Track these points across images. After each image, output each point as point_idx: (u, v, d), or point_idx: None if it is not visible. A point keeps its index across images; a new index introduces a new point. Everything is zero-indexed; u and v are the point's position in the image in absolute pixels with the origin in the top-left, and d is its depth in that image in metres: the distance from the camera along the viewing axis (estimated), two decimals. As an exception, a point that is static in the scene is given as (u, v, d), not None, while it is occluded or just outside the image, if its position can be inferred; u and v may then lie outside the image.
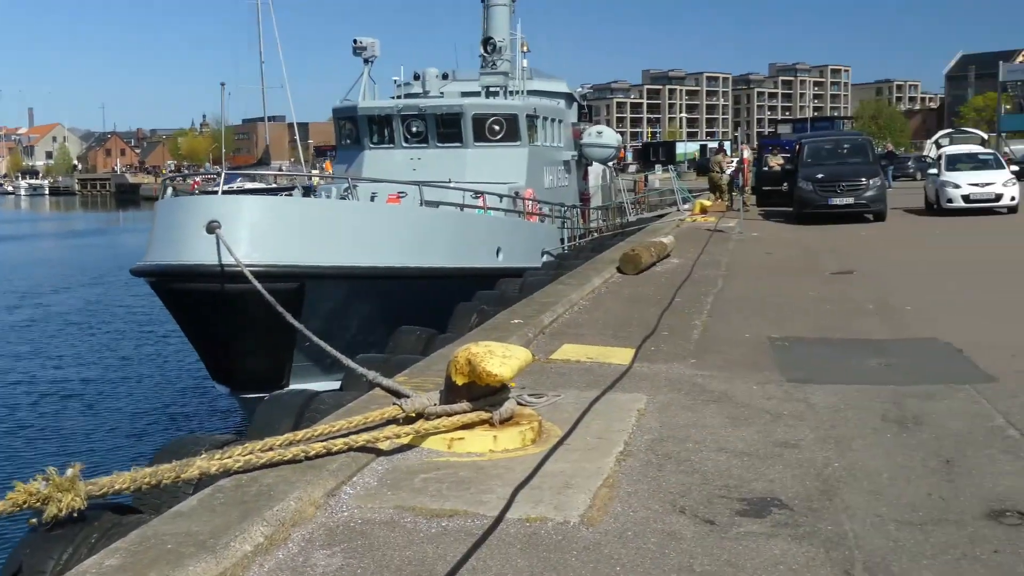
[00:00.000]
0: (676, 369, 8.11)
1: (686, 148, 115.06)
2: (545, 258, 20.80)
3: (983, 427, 6.29)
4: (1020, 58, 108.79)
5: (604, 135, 30.28)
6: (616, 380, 7.49)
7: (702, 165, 71.75)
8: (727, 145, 40.43)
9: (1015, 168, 30.46)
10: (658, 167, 49.48)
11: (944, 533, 4.55)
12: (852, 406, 6.86)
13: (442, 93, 24.43)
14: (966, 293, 12.35)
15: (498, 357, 5.64)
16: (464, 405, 5.75)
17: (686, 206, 30.58)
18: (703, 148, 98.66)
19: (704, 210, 26.97)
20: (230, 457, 4.92)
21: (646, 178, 51.97)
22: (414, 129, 22.73)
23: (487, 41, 26.25)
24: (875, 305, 11.51)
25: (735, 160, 28.16)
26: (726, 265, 15.75)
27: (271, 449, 5.10)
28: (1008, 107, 77.98)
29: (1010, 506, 4.87)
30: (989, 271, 14.67)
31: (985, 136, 63.52)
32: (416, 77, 25.10)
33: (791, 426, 6.38)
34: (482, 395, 5.81)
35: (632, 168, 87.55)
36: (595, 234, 27.42)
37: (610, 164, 33.85)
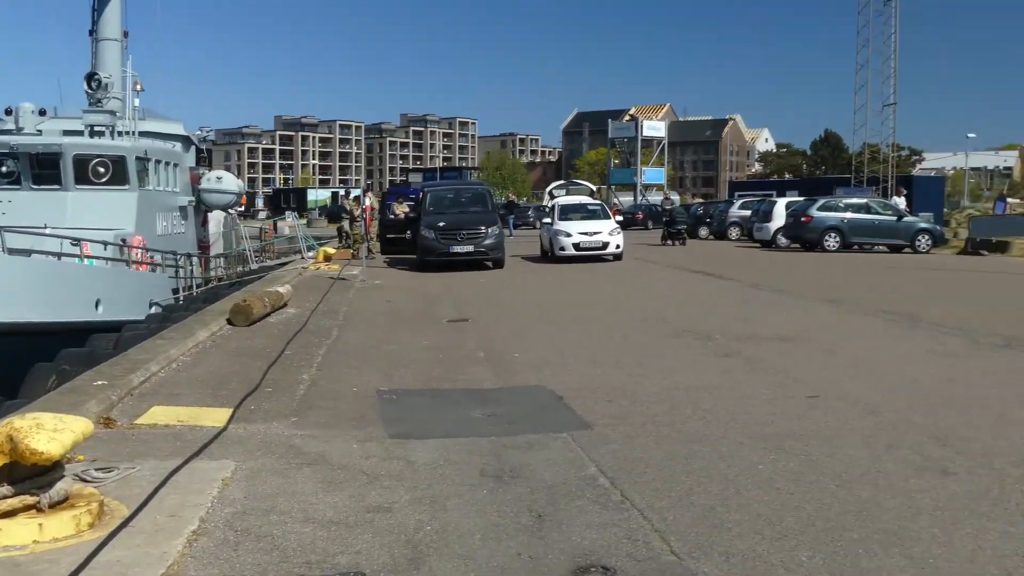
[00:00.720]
0: (275, 429, 7.56)
1: (318, 195, 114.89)
2: (153, 310, 19.46)
3: (576, 477, 6.27)
4: (627, 117, 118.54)
5: (224, 180, 29.18)
6: (204, 446, 6.83)
7: (333, 212, 71.65)
8: (354, 192, 40.58)
9: (620, 219, 32.75)
10: (288, 214, 48.41)
11: (530, 598, 4.35)
12: (452, 461, 6.64)
13: (39, 131, 22.39)
14: (573, 339, 12.72)
15: (47, 432, 4.87)
16: (4, 489, 4.89)
17: (310, 254, 30.09)
18: (335, 195, 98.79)
19: (328, 257, 26.60)
20: None
21: (275, 225, 50.93)
22: (4, 169, 20.60)
23: (91, 77, 24.44)
24: (486, 353, 11.57)
25: (361, 208, 28.10)
26: (344, 314, 15.42)
27: None
28: (617, 161, 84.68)
29: (595, 561, 4.78)
30: (595, 317, 15.35)
31: (594, 188, 68.51)
32: (8, 112, 22.85)
33: (387, 488, 6.03)
34: (30, 476, 4.98)
35: (262, 214, 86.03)
36: (214, 283, 26.20)
37: (232, 210, 32.71)
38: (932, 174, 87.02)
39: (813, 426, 7.60)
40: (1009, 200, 61.94)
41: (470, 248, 24.86)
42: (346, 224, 30.69)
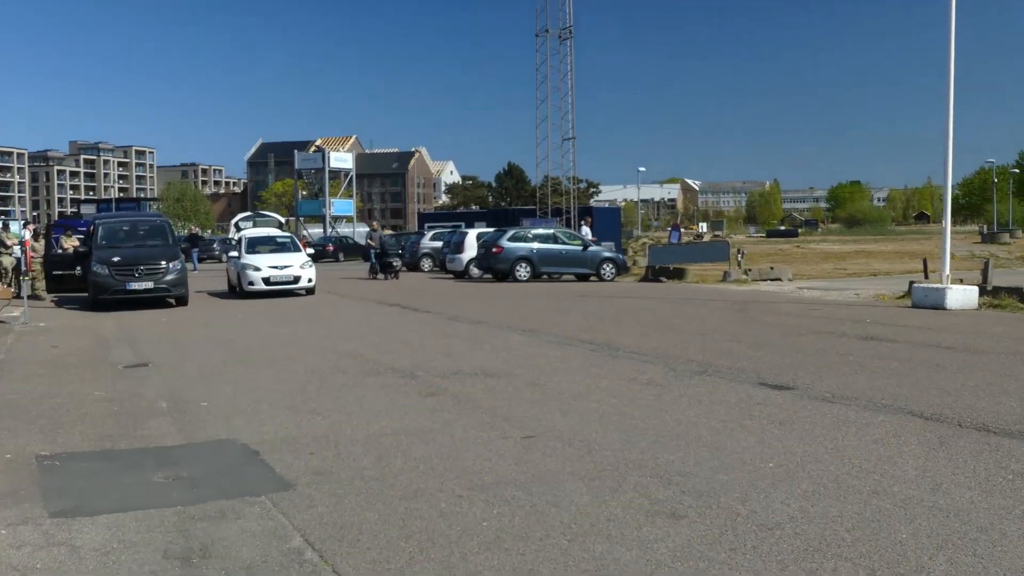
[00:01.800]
0: (-101, 515, 6.15)
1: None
2: None
3: (279, 551, 5.43)
4: (313, 148, 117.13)
5: None
6: None
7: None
8: (14, 225, 36.72)
9: (311, 251, 31.69)
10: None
11: None
12: (128, 542, 5.60)
13: None
14: (267, 382, 11.71)
15: None
16: None
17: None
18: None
19: (-15, 298, 23.79)
20: None
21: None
22: None
23: None
24: (169, 403, 10.36)
25: (19, 242, 25.43)
26: None
27: None
28: (304, 193, 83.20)
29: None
30: (290, 356, 14.34)
31: (283, 220, 66.89)
32: None
33: (44, 586, 4.93)
34: None
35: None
36: None
37: None
38: (607, 205, 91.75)
39: (533, 471, 7.14)
40: (682, 229, 66.27)
41: (150, 284, 23.09)
42: (5, 260, 27.75)
